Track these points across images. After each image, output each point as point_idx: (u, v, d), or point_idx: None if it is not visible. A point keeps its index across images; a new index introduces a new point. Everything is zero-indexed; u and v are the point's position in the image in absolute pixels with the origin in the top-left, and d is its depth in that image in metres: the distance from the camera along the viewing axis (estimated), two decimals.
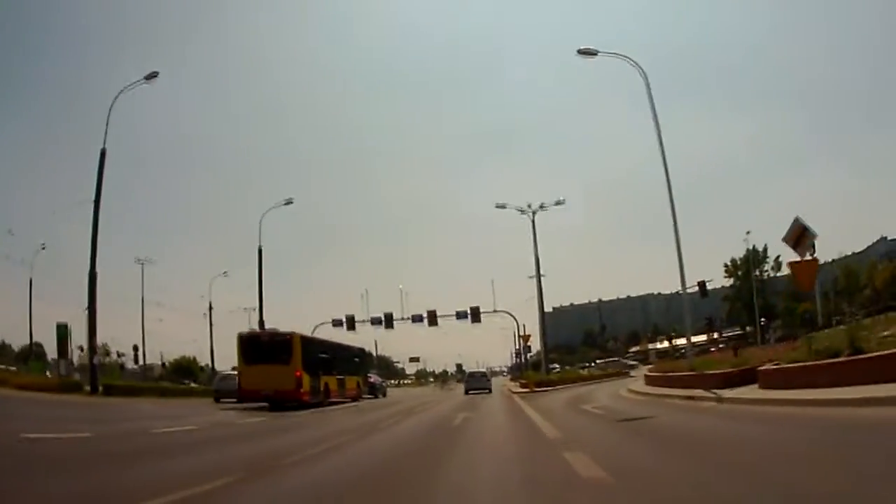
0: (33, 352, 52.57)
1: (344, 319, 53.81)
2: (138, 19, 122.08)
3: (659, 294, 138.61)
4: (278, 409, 22.46)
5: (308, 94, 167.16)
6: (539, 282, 42.82)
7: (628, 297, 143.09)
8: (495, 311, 54.84)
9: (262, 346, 24.33)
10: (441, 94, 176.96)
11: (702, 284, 46.28)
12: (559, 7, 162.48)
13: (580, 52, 23.47)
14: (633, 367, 67.34)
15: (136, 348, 58.17)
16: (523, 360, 62.56)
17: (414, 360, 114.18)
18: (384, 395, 41.32)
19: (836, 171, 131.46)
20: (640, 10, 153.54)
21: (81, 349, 60.35)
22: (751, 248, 70.51)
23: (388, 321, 54.53)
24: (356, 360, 34.46)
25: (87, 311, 27.84)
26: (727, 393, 15.11)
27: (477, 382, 39.56)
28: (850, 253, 74.59)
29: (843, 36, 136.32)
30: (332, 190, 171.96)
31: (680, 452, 7.02)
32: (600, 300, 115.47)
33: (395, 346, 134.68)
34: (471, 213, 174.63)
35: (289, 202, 40.93)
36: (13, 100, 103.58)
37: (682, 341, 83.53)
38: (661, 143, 22.80)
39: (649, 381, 26.47)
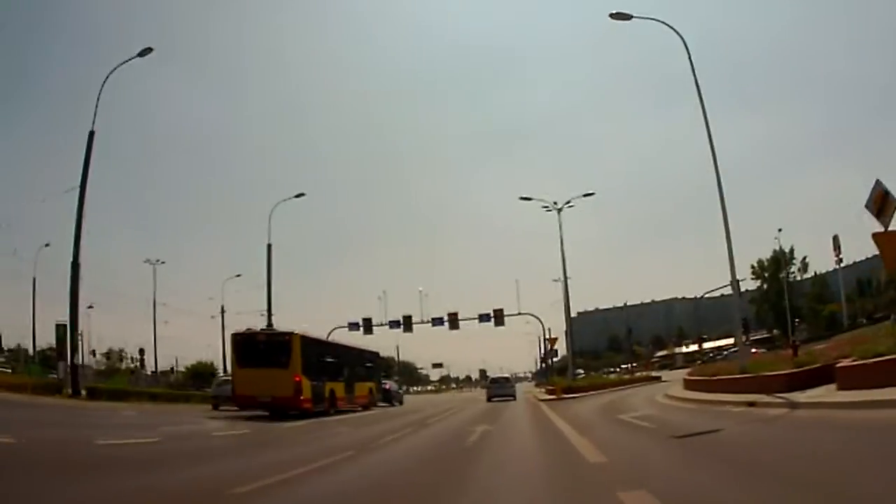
0: (40, 354, 51.25)
1: (361, 322, 51.67)
2: (157, 16, 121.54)
3: (683, 298, 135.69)
4: (278, 417, 20.14)
5: (327, 94, 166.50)
6: (565, 281, 40.72)
7: (652, 301, 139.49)
8: (519, 313, 52.52)
9: (257, 348, 21.90)
10: (461, 94, 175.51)
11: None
12: (569, 6, 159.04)
13: (612, 15, 21.34)
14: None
15: (142, 352, 56.30)
16: (549, 364, 59.89)
17: (437, 365, 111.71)
18: (400, 402, 39.07)
19: (849, 171, 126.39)
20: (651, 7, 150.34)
21: (94, 353, 59.20)
22: (778, 248, 68.63)
23: (407, 324, 52.60)
24: (368, 364, 31.98)
25: (69, 304, 26.22)
26: (799, 397, 12.59)
27: (500, 389, 37.26)
28: (862, 259, 70.47)
29: (860, 32, 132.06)
30: (350, 189, 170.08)
31: (799, 496, 4.55)
32: (626, 304, 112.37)
33: (417, 351, 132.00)
34: (493, 214, 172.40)
35: (300, 195, 39.27)
36: (22, 99, 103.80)
37: (709, 345, 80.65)
38: (706, 120, 20.10)
39: (689, 385, 24.32)
